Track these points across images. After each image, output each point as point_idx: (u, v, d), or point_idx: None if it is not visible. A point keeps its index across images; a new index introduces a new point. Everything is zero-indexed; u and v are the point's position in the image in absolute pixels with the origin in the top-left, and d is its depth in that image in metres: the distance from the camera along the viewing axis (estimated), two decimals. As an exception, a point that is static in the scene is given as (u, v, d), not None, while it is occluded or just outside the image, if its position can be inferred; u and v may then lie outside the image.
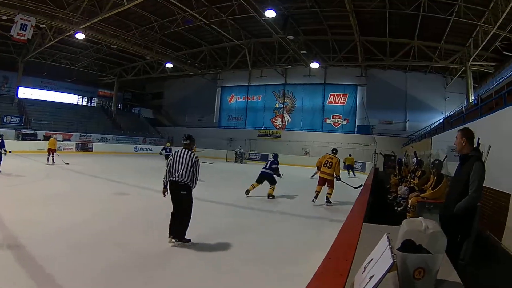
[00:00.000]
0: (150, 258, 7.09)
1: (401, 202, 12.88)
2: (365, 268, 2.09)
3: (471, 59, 34.12)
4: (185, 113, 65.74)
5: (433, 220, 2.20)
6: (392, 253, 1.81)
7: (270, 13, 28.62)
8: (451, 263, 2.70)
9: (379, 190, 17.35)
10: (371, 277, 1.90)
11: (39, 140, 40.77)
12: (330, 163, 15.89)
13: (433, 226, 2.06)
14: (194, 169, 8.34)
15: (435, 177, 10.29)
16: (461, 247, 5.13)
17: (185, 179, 8.18)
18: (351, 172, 34.45)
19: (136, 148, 51.34)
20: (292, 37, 35.47)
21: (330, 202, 15.59)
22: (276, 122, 55.80)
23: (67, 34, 36.20)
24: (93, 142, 48.35)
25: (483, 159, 5.50)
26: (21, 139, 42.04)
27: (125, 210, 11.59)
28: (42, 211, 10.60)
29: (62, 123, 51.52)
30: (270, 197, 14.94)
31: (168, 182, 8.35)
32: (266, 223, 11.39)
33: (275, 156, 16.26)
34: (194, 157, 8.45)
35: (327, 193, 15.69)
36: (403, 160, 23.10)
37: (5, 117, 45.41)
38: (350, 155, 36.74)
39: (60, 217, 10.00)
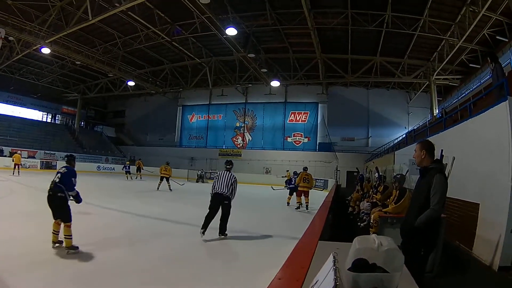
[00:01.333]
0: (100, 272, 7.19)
1: (364, 217, 13.23)
2: None
3: (435, 73, 34.75)
4: (146, 131, 66.18)
5: (396, 234, 2.26)
6: (335, 275, 1.72)
7: (231, 31, 28.79)
8: (412, 278, 2.68)
9: (341, 207, 17.76)
10: (315, 300, 1.88)
11: (5, 156, 40.72)
12: (308, 179, 20.25)
13: (388, 243, 2.01)
14: (233, 186, 11.41)
15: (398, 191, 10.40)
16: (426, 260, 5.17)
17: (227, 193, 11.19)
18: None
19: (99, 167, 50.95)
20: (253, 55, 35.58)
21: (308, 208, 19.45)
22: (237, 141, 56.42)
23: (34, 48, 35.74)
24: (57, 160, 47.69)
25: (447, 171, 5.74)
26: None
27: (85, 228, 11.06)
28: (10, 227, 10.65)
29: (28, 139, 51.18)
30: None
31: (213, 193, 11.30)
32: (224, 240, 11.26)
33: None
34: (233, 177, 11.52)
35: (306, 203, 19.99)
36: (364, 175, 23.33)
37: (-30, 132, 44.13)
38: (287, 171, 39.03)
39: (18, 234, 9.91)
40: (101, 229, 11.65)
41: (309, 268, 2.74)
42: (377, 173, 17.57)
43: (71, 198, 9.05)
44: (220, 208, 11.22)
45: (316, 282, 1.93)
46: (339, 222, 12.51)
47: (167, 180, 28.85)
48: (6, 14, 32.54)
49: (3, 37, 31.84)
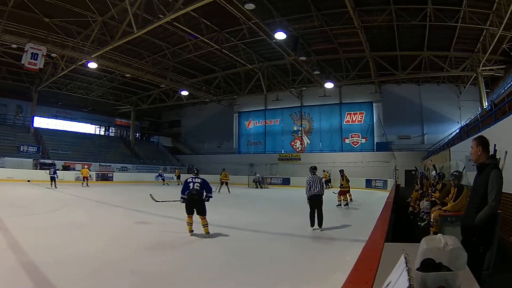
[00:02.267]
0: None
1: (424, 216, 12.79)
2: None
3: (481, 64, 33.77)
4: (203, 140, 66.35)
5: (456, 233, 2.13)
6: (408, 275, 1.71)
7: (280, 35, 28.42)
8: (473, 277, 2.55)
9: (401, 206, 17.31)
10: (388, 301, 1.85)
11: (58, 169, 40.02)
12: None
13: (453, 242, 1.93)
14: (323, 186, 14.21)
15: (456, 189, 10.07)
16: (484, 258, 5.00)
17: (322, 192, 13.73)
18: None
19: (157, 177, 50.28)
20: (304, 58, 35.07)
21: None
22: (296, 145, 55.79)
23: (79, 63, 36.29)
24: (113, 171, 48.74)
25: (500, 166, 5.37)
26: (39, 169, 42.09)
27: (144, 238, 11.36)
28: (59, 238, 10.57)
29: (81, 152, 52.12)
30: None
31: (312, 195, 13.57)
32: (285, 244, 11.09)
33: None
34: (322, 178, 14.56)
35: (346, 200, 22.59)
36: (424, 174, 22.81)
37: (21, 146, 45.83)
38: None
39: (78, 244, 9.93)
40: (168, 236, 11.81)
41: (377, 270, 2.72)
42: (434, 171, 17.15)
43: (207, 198, 12.01)
44: (317, 205, 13.63)
45: (389, 283, 1.95)
46: (401, 223, 12.21)
47: (226, 184, 35.01)
48: (45, 32, 33.14)
49: (44, 54, 32.22)
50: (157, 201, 16.41)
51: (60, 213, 16.50)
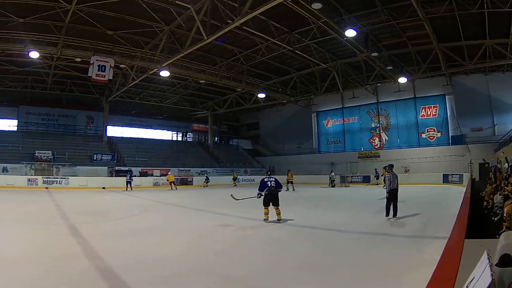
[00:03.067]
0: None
1: (498, 211, 12.29)
2: (467, 287, 2.03)
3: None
4: (283, 141, 66.68)
5: None
6: (491, 271, 1.75)
7: (350, 33, 28.28)
8: None
9: (476, 201, 16.95)
10: (471, 296, 1.90)
11: (135, 176, 42.18)
12: None
13: None
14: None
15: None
16: None
17: (397, 186, 15.28)
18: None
19: (238, 180, 50.51)
20: (376, 53, 35.03)
21: None
22: (374, 142, 55.48)
23: (150, 72, 36.94)
24: (193, 175, 49.51)
25: None
26: (115, 176, 43.60)
27: (225, 240, 11.38)
28: (139, 243, 10.73)
29: (158, 159, 53.48)
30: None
31: (391, 189, 15.15)
32: (362, 241, 11.09)
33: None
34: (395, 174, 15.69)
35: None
36: (496, 167, 22.27)
37: (95, 155, 47.41)
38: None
39: (159, 247, 10.04)
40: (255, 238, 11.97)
41: (459, 266, 2.81)
42: (506, 163, 16.74)
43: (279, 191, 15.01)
44: (394, 198, 15.25)
45: (472, 279, 1.97)
46: (476, 218, 11.91)
47: (291, 183, 37.84)
48: (110, 44, 34.01)
49: (112, 65, 33.07)
50: (237, 199, 17.60)
51: (139, 218, 16.91)
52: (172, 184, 40.08)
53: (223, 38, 32.51)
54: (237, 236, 12.22)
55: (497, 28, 31.39)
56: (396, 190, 15.35)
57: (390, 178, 15.54)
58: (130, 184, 36.41)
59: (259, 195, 14.83)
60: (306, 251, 9.77)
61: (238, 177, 49.59)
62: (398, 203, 15.45)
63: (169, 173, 43.79)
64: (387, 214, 15.36)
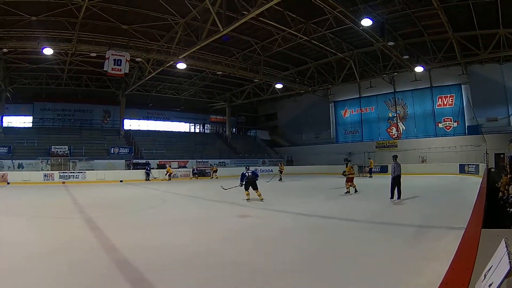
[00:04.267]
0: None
1: (512, 202, 12.51)
2: (485, 276, 2.08)
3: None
4: (301, 131, 66.21)
5: None
6: (509, 259, 1.79)
7: (366, 22, 28.13)
8: None
9: (492, 191, 16.94)
10: (490, 285, 1.91)
11: (153, 168, 42.83)
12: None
13: None
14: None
15: (540, 172, 9.66)
16: None
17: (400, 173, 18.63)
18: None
19: (256, 170, 50.46)
20: (392, 43, 34.84)
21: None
22: (392, 132, 55.22)
23: (167, 65, 37.19)
24: (211, 166, 49.24)
25: None
26: (132, 169, 44.06)
27: (232, 229, 11.69)
28: (157, 234, 10.90)
29: (176, 151, 53.59)
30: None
31: (395, 176, 18.40)
32: (376, 235, 10.86)
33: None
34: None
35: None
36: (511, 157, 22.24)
37: (112, 149, 47.52)
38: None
39: (165, 237, 10.22)
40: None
41: (476, 256, 2.82)
42: None
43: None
44: (398, 183, 18.43)
45: (490, 268, 2.02)
46: (492, 209, 11.63)
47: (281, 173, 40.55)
48: (125, 38, 34.19)
49: (128, 59, 33.14)
50: (225, 189, 22.08)
51: (156, 210, 17.16)
52: (168, 175, 41.76)
53: (227, 37, 33.54)
54: (252, 226, 12.38)
55: (510, 17, 31.03)
56: (399, 177, 18.48)
57: (394, 167, 18.77)
58: (149, 175, 38.02)
59: (241, 184, 20.12)
60: (319, 241, 9.91)
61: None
62: (401, 188, 18.59)
63: (168, 166, 44.87)
64: (392, 197, 18.58)
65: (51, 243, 9.47)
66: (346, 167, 24.45)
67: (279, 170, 41.29)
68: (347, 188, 23.58)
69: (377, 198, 20.39)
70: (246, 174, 20.18)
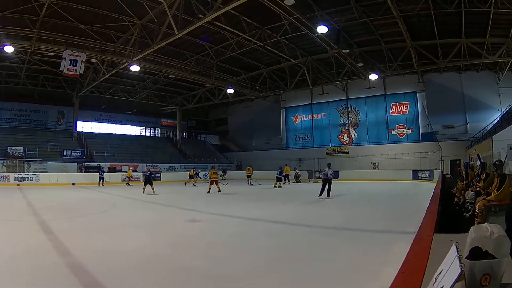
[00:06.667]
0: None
1: (469, 207, 12.47)
2: (435, 279, 2.05)
3: (516, 50, 33.04)
4: (251, 137, 66.54)
5: (500, 223, 2.12)
6: (460, 262, 1.79)
7: (322, 29, 28.31)
8: None
9: (447, 197, 17.24)
10: (441, 288, 1.89)
11: (105, 171, 42.04)
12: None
13: (498, 230, 1.95)
14: (332, 173, 24.01)
15: (498, 179, 9.93)
16: None
17: (330, 177, 23.15)
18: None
19: (206, 175, 48.61)
20: (347, 50, 34.95)
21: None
22: (343, 138, 55.75)
23: (121, 67, 36.99)
24: (161, 171, 49.30)
25: None
26: (84, 172, 43.48)
27: (186, 234, 11.71)
28: (108, 238, 10.75)
29: (127, 154, 53.19)
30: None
31: (324, 178, 22.81)
32: (328, 240, 10.89)
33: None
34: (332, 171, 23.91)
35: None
36: (468, 163, 22.71)
37: (65, 151, 46.85)
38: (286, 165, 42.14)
39: (123, 242, 10.12)
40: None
41: (428, 260, 2.84)
42: (479, 160, 17.06)
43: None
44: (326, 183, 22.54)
45: (441, 271, 2.01)
46: (447, 214, 11.83)
47: (250, 177, 42.42)
48: (82, 38, 33.87)
49: (84, 60, 32.96)
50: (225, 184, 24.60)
51: (107, 214, 16.88)
52: (128, 178, 41.98)
53: (207, 37, 34.03)
54: (200, 229, 12.76)
55: (473, 27, 31.95)
56: (328, 179, 23.05)
57: (324, 171, 24.26)
58: (103, 180, 37.31)
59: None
60: (275, 245, 9.88)
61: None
62: (331, 190, 23.06)
63: (130, 168, 46.16)
64: (320, 195, 22.71)
65: (5, 246, 9.41)
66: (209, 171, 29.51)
67: (247, 175, 42.77)
68: (209, 188, 28.82)
69: (330, 203, 20.59)
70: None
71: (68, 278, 6.71)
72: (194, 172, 42.73)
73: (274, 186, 34.94)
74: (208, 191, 28.16)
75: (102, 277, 6.74)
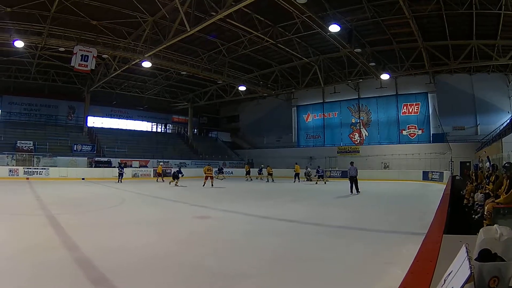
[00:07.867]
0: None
1: (478, 209, 12.34)
2: (445, 280, 2.02)
3: (526, 52, 32.77)
4: (262, 134, 67.20)
5: (508, 226, 2.09)
6: (470, 264, 1.75)
7: (334, 28, 28.32)
8: None
9: (457, 199, 17.15)
10: (450, 290, 1.89)
11: (114, 167, 42.17)
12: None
13: (507, 232, 1.94)
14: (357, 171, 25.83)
15: (508, 181, 9.83)
16: None
17: (355, 174, 25.30)
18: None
19: (216, 172, 48.94)
20: (359, 49, 34.93)
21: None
22: (354, 138, 55.65)
23: (133, 63, 37.10)
24: (171, 167, 48.73)
25: None
26: (94, 167, 43.87)
27: (195, 231, 11.50)
28: (112, 234, 10.62)
29: (137, 150, 53.65)
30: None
31: (350, 176, 25.20)
32: (338, 239, 10.77)
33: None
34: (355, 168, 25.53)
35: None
36: (478, 165, 22.57)
37: (75, 146, 47.29)
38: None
39: (129, 238, 9.97)
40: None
41: (437, 261, 2.84)
42: (488, 163, 16.95)
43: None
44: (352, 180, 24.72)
45: (450, 272, 1.98)
46: (456, 216, 11.91)
47: (248, 174, 46.27)
48: (94, 34, 33.97)
49: (95, 55, 33.06)
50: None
51: (116, 209, 16.79)
52: (159, 174, 41.85)
53: (214, 35, 33.93)
54: (209, 226, 12.60)
55: (484, 29, 31.70)
56: (353, 177, 25.08)
57: (350, 168, 25.84)
58: (122, 176, 36.68)
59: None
60: (283, 244, 9.81)
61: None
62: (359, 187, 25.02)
63: (161, 164, 46.39)
64: (351, 192, 24.66)
65: (12, 238, 9.48)
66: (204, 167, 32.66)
67: (268, 173, 43.73)
68: (204, 182, 31.08)
69: (338, 203, 20.53)
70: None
71: (75, 273, 6.68)
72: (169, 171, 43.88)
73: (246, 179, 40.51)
74: (203, 185, 30.28)
75: (111, 273, 6.70)
